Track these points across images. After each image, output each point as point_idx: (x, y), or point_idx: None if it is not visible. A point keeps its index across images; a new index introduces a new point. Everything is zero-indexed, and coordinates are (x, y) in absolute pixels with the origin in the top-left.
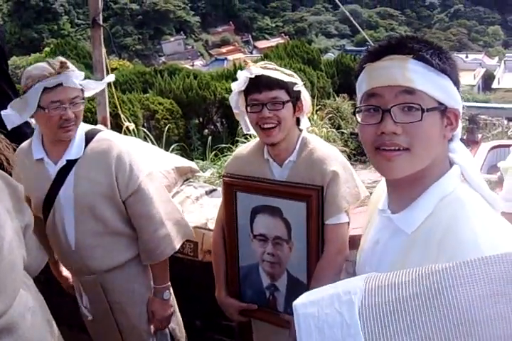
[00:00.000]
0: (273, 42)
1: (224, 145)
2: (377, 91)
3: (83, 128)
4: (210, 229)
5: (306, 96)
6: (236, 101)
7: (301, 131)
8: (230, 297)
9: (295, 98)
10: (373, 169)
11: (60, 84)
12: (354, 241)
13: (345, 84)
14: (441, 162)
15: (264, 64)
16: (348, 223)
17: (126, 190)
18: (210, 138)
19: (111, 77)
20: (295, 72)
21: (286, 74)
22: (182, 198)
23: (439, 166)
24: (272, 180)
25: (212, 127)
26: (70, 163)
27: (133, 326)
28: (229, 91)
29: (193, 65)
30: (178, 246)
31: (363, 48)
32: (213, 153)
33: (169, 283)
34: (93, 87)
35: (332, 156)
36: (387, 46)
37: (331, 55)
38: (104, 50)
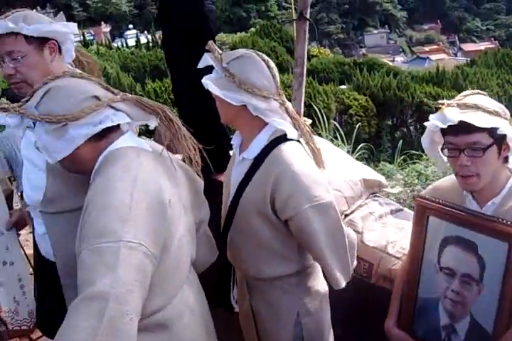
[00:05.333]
0: (481, 46)
1: (414, 151)
2: None
3: (270, 130)
4: (389, 253)
5: None
6: (429, 142)
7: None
8: (400, 328)
9: (500, 139)
10: None
11: None
12: None
13: None
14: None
15: (463, 100)
16: None
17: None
18: (400, 141)
19: None
20: (503, 84)
21: (489, 112)
22: (365, 213)
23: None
24: (473, 210)
25: (405, 130)
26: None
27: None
28: (428, 95)
29: (393, 61)
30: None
31: None
32: (402, 157)
33: None
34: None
35: None
36: None
37: None
38: (307, 44)
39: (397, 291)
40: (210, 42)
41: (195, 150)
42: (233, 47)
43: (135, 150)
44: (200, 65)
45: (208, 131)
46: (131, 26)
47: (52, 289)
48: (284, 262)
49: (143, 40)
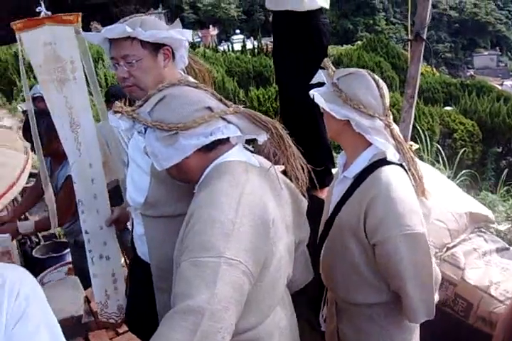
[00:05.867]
0: None
1: None
2: None
3: (373, 151)
4: (491, 295)
5: None
6: None
7: None
8: None
9: None
10: None
11: None
12: None
13: None
14: None
15: None
16: None
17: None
18: (506, 171)
19: None
20: None
21: None
22: (468, 249)
23: None
24: None
25: (511, 159)
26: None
27: None
28: None
29: (501, 84)
30: None
31: None
32: (505, 188)
33: None
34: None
35: None
36: None
37: None
38: (420, 65)
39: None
40: (326, 59)
41: (303, 169)
42: (338, 60)
43: (243, 165)
44: (314, 81)
45: (311, 145)
46: (238, 31)
47: (144, 289)
48: (374, 290)
49: (249, 45)
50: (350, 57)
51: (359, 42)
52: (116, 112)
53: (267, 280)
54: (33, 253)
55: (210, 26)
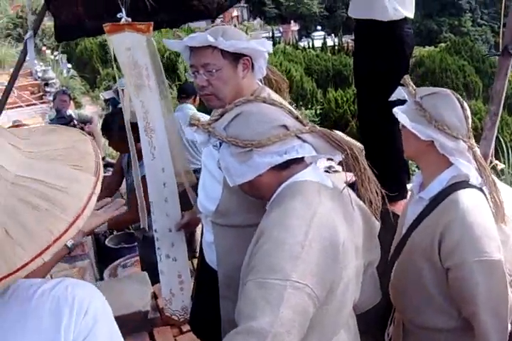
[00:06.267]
0: None
1: None
2: None
3: (453, 172)
4: None
5: None
6: None
7: None
8: None
9: None
10: None
11: None
12: None
13: None
14: None
15: None
16: None
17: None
18: None
19: None
20: None
21: None
22: None
23: None
24: None
25: None
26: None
27: None
28: None
29: None
30: None
31: None
32: None
33: None
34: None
35: None
36: None
37: None
38: (507, 81)
39: None
40: (406, 76)
41: (377, 193)
42: (420, 61)
43: (317, 186)
44: (393, 98)
45: (387, 156)
46: (319, 28)
47: (210, 295)
48: (444, 315)
49: (329, 42)
50: (432, 59)
51: (442, 44)
52: (192, 125)
53: (332, 304)
54: (106, 242)
55: (292, 21)
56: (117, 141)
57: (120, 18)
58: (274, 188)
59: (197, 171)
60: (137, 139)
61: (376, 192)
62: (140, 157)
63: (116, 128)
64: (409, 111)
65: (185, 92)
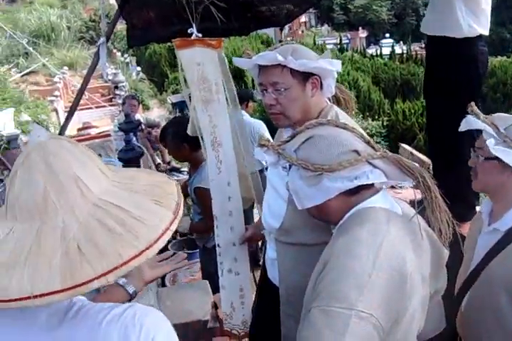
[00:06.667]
0: None
1: None
2: None
3: None
4: None
5: None
6: None
7: None
8: None
9: None
10: None
11: None
12: None
13: None
14: None
15: None
16: None
17: None
18: None
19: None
20: None
21: None
22: None
23: None
24: None
25: None
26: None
27: None
28: None
29: None
30: None
31: None
32: None
33: None
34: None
35: None
36: None
37: None
38: None
39: None
40: (472, 104)
41: (447, 223)
42: (491, 72)
43: (386, 213)
44: (462, 129)
45: (455, 175)
46: (387, 35)
47: (271, 311)
48: None
49: (397, 50)
50: (504, 69)
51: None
52: (262, 146)
53: (397, 335)
54: (169, 247)
55: (360, 28)
56: (172, 149)
57: (191, 34)
58: (343, 213)
59: (262, 171)
60: (194, 148)
61: (447, 221)
62: (193, 163)
63: (170, 138)
64: (499, 143)
65: (240, 98)
